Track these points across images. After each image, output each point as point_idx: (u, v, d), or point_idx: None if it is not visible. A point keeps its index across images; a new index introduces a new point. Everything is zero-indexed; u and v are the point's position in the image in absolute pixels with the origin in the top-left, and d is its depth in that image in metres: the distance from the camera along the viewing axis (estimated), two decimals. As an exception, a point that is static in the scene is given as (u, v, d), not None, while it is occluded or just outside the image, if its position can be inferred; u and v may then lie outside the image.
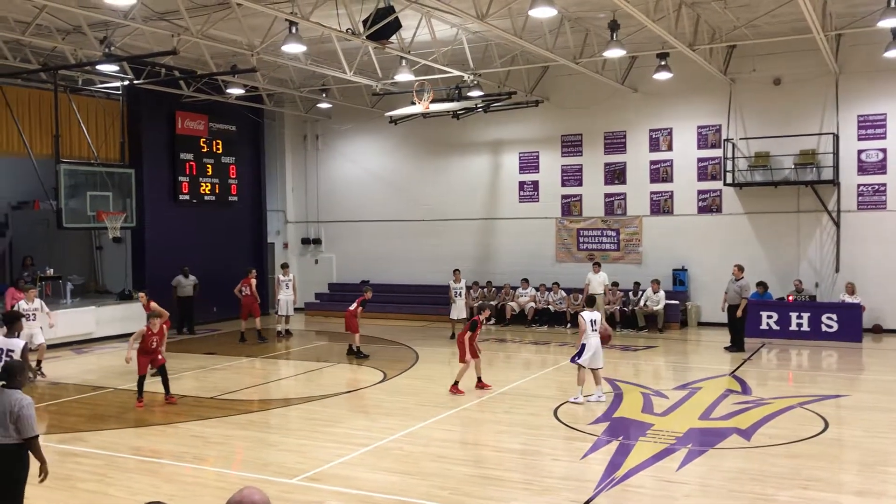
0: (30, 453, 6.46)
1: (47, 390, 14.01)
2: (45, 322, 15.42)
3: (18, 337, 9.85)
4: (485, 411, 11.94)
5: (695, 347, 18.79)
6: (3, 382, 6.54)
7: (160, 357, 12.71)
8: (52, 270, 21.43)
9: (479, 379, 13.41)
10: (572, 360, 12.59)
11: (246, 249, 24.93)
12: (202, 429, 11.11)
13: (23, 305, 14.86)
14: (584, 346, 12.29)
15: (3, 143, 18.86)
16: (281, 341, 19.56)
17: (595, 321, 12.41)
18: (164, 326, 12.99)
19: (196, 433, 10.91)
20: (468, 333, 13.14)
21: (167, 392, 12.67)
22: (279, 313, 20.25)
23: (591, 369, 12.35)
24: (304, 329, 22.51)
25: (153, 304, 15.20)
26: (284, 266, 21.05)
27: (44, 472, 6.59)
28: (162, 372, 12.69)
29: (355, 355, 16.68)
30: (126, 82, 19.53)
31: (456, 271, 20.17)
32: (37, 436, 6.52)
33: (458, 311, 19.54)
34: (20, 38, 15.61)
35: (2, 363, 9.34)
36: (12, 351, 9.35)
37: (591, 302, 13.18)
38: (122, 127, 20.46)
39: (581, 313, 12.61)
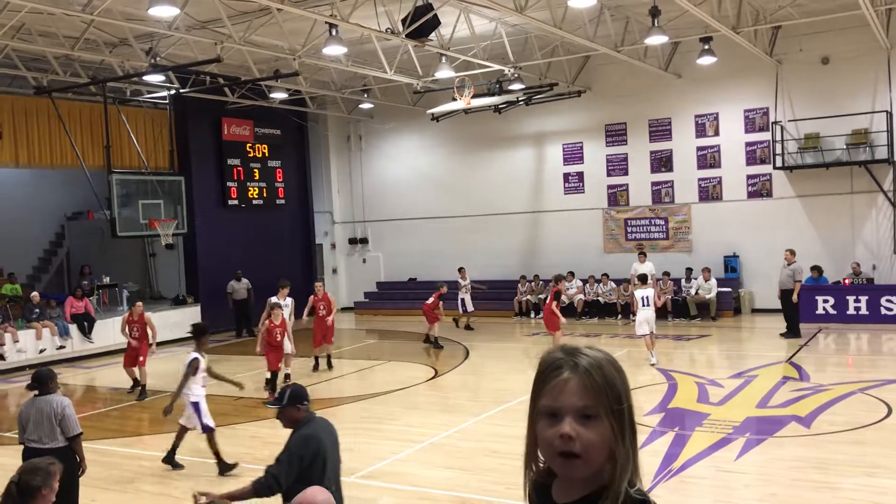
0: None
1: (108, 395, 14.37)
2: None
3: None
4: (537, 405, 11.90)
5: (749, 335, 18.49)
6: (37, 392, 6.80)
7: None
8: (108, 278, 21.99)
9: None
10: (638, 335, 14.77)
11: (295, 251, 25.23)
12: (259, 429, 11.29)
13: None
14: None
15: (58, 156, 19.40)
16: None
17: (647, 297, 14.44)
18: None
19: (253, 434, 11.09)
20: (553, 303, 15.03)
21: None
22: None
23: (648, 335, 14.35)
24: (355, 328, 22.70)
25: (147, 316, 14.86)
26: (283, 285, 14.83)
27: (82, 468, 6.90)
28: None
29: (432, 345, 17.41)
30: (172, 91, 19.91)
31: (461, 269, 20.88)
32: (81, 433, 6.79)
33: (467, 304, 20.53)
34: (69, 52, 16.01)
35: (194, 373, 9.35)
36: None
37: (643, 279, 15.81)
38: (171, 135, 20.86)
39: (634, 291, 15.02)
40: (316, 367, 15.66)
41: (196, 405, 9.33)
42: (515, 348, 17.83)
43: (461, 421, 10.97)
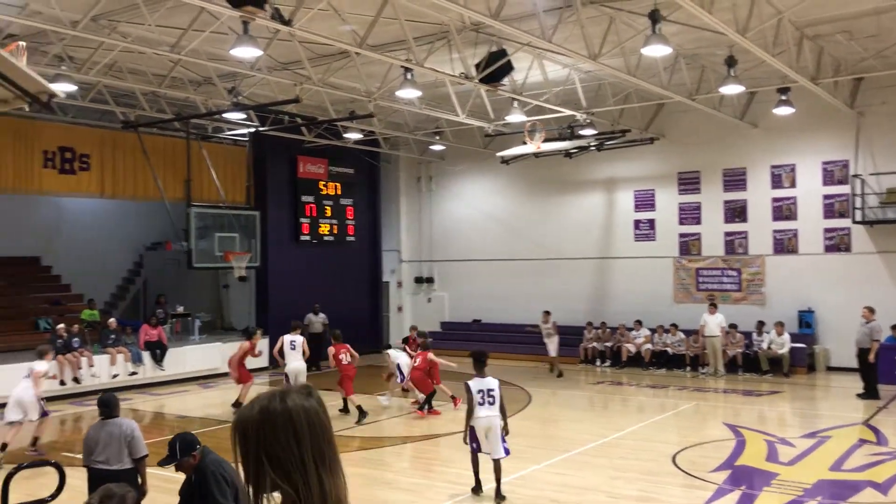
0: None
1: (176, 423, 14.67)
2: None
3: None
4: (600, 456, 11.70)
5: (824, 393, 17.83)
6: (104, 416, 7.06)
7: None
8: (181, 308, 22.60)
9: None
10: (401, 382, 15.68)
11: (362, 288, 25.53)
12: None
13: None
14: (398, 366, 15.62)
15: (140, 188, 20.19)
16: None
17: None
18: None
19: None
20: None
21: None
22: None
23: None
24: (418, 367, 22.72)
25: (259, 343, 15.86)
26: (294, 327, 15.86)
27: (143, 491, 7.02)
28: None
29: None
30: (252, 129, 20.54)
31: (544, 313, 20.50)
32: (147, 455, 6.96)
33: (552, 348, 20.11)
34: (157, 90, 16.72)
35: None
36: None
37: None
38: (248, 171, 21.49)
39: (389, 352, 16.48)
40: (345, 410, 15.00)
41: (472, 429, 9.41)
42: (580, 396, 17.58)
43: (521, 468, 10.83)
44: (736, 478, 10.26)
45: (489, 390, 9.34)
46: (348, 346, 14.94)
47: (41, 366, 12.02)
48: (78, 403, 16.61)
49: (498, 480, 9.31)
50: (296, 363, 14.99)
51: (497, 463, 9.31)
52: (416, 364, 15.11)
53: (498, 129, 20.74)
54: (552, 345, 20.19)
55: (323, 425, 1.97)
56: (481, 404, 9.27)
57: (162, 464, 5.75)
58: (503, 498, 9.27)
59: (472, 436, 9.36)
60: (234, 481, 5.46)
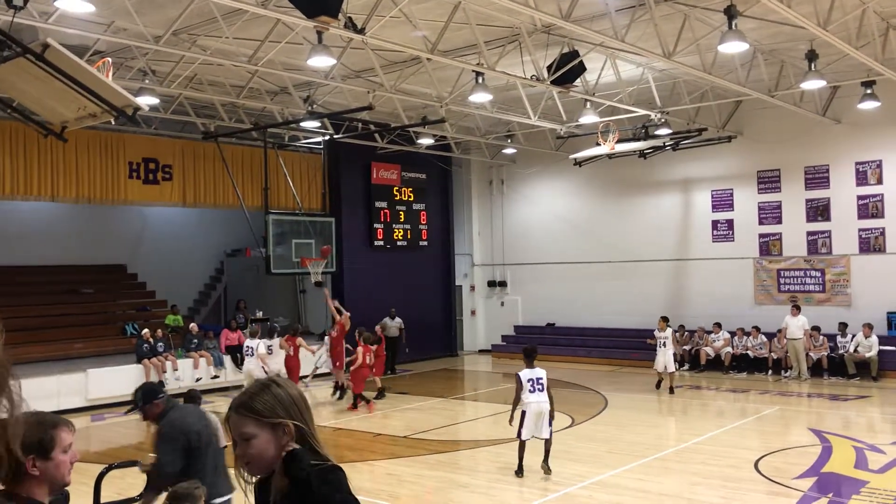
0: None
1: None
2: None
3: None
4: (679, 462, 11.48)
5: (916, 398, 17.09)
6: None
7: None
8: (261, 313, 23.13)
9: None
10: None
11: (436, 292, 25.66)
12: (395, 467, 11.47)
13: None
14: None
15: (221, 196, 20.79)
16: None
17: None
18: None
19: (390, 471, 11.28)
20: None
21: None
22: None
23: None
24: (491, 371, 22.71)
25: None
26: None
27: None
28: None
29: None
30: (327, 137, 20.91)
31: (661, 319, 18.00)
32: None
33: (661, 362, 17.45)
34: (235, 100, 17.18)
35: None
36: None
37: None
38: (324, 179, 21.86)
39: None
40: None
41: (523, 413, 10.44)
42: (657, 400, 17.26)
43: (597, 473, 10.72)
44: (823, 485, 9.93)
45: (538, 378, 10.49)
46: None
47: (253, 342, 16.07)
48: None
49: (547, 452, 10.48)
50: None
51: (546, 441, 10.47)
52: (369, 361, 16.29)
53: (570, 130, 20.57)
54: (665, 356, 17.39)
55: (307, 401, 2.86)
56: (532, 391, 10.40)
57: (125, 413, 6.11)
58: (549, 470, 10.39)
59: (521, 420, 10.35)
60: (189, 430, 5.61)
